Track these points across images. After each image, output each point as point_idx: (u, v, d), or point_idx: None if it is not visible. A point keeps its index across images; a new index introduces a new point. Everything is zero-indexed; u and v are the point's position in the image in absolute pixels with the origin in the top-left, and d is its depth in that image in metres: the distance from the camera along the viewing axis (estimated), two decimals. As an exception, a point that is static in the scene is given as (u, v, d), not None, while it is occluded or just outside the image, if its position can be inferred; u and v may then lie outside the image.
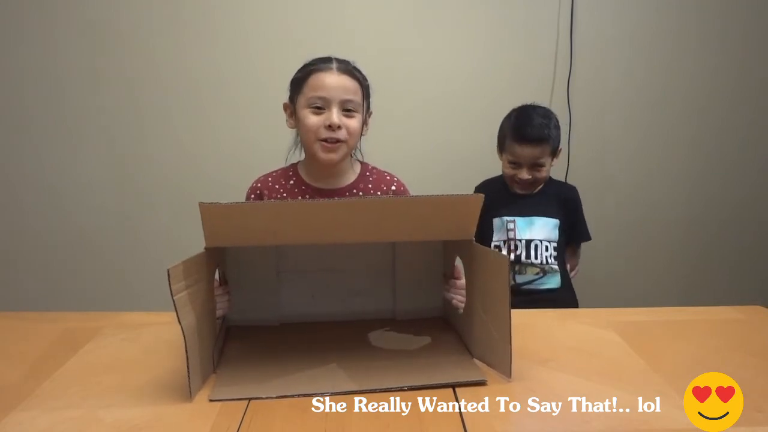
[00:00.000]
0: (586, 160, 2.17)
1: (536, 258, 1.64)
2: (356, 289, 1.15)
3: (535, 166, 1.63)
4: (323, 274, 1.14)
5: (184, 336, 0.82)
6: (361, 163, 1.34)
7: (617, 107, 2.18)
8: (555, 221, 1.66)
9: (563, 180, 2.10)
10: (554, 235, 1.66)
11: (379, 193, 1.31)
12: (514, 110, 1.71)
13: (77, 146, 2.10)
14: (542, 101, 2.09)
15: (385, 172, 1.36)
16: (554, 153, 1.67)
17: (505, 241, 1.66)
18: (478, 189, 1.70)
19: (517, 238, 1.64)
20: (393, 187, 1.33)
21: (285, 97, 1.35)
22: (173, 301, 0.81)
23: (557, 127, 1.68)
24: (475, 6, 2.09)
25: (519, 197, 1.68)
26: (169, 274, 0.80)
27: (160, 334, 1.08)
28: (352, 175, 1.31)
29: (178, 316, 0.81)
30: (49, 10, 2.02)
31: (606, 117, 2.18)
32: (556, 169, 1.77)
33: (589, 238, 1.76)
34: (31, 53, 2.04)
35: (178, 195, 2.11)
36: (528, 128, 1.61)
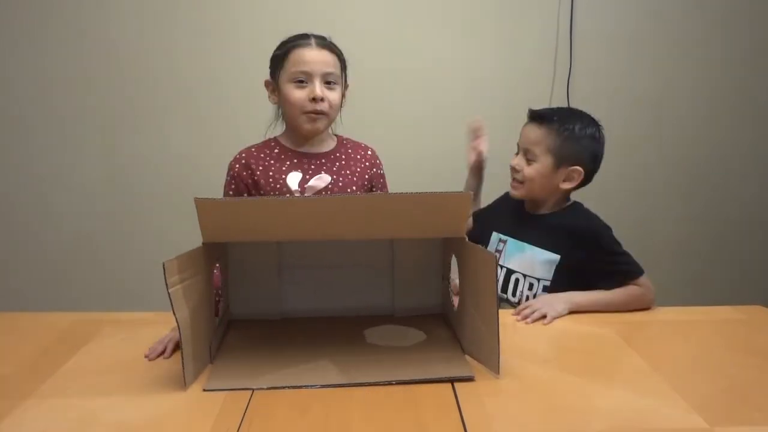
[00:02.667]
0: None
1: (514, 296, 1.35)
2: (356, 286, 1.17)
3: (528, 158, 1.33)
4: (324, 270, 1.16)
5: (179, 327, 0.85)
6: (336, 135, 1.41)
7: (617, 107, 2.18)
8: (552, 257, 1.31)
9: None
10: (545, 272, 1.31)
11: (358, 156, 1.37)
12: None
13: (72, 148, 2.10)
14: (542, 101, 2.10)
15: (358, 141, 1.43)
16: (557, 156, 1.30)
17: None
18: (498, 200, 1.51)
19: (500, 263, 1.37)
20: (369, 152, 1.40)
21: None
22: (168, 294, 0.83)
23: (584, 137, 1.32)
24: (475, 7, 2.09)
25: (524, 216, 1.40)
26: (164, 268, 0.82)
27: (159, 334, 1.08)
28: (331, 143, 1.37)
29: (173, 308, 0.84)
30: (42, 14, 2.02)
31: (606, 117, 2.17)
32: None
33: (639, 273, 1.26)
34: (23, 57, 2.04)
35: (175, 194, 2.11)
36: (543, 108, 1.37)
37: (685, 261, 2.30)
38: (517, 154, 1.36)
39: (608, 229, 1.33)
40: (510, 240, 1.37)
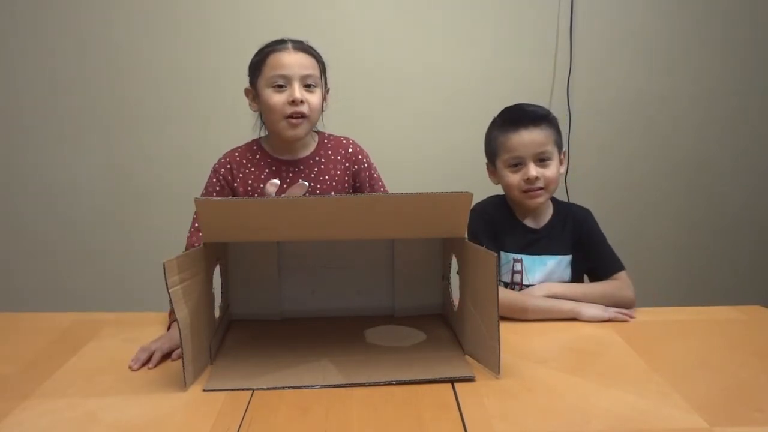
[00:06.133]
0: (586, 160, 2.17)
1: None
2: (356, 286, 1.17)
3: (542, 160, 1.27)
4: (324, 271, 1.16)
5: (179, 327, 0.85)
6: (318, 132, 1.39)
7: (617, 107, 2.18)
8: (568, 258, 1.33)
9: (566, 192, 2.08)
10: (566, 274, 1.33)
11: (338, 157, 1.35)
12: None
13: (72, 148, 2.10)
14: (542, 101, 2.09)
15: (340, 136, 1.41)
16: (559, 148, 1.31)
17: (508, 284, 1.31)
18: (476, 211, 1.31)
19: (523, 282, 1.30)
20: (350, 149, 1.37)
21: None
22: (168, 294, 0.84)
23: (557, 122, 1.34)
24: (475, 7, 2.09)
25: (525, 230, 1.33)
26: (164, 268, 0.83)
27: (159, 334, 1.08)
28: (312, 145, 1.36)
29: (173, 308, 0.84)
30: (43, 14, 2.02)
31: (606, 117, 2.18)
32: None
33: (621, 268, 1.29)
34: (24, 58, 2.04)
35: (176, 194, 2.10)
36: (520, 111, 1.32)
37: (685, 261, 2.29)
38: (516, 166, 1.28)
39: (593, 217, 1.37)
40: (525, 257, 1.32)
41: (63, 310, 1.27)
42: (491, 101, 2.06)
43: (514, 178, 1.28)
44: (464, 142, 2.12)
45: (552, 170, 1.28)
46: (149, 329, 1.11)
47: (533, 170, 1.25)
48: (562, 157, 1.33)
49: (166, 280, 0.83)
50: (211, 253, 0.99)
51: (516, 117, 1.30)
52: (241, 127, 2.06)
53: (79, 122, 2.09)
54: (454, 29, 2.10)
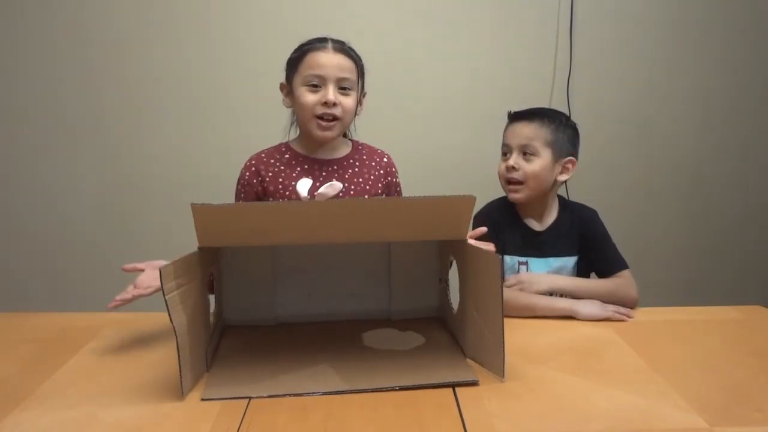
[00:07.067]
0: (586, 160, 2.16)
1: None
2: (352, 289, 1.16)
3: (526, 153, 1.29)
4: (319, 274, 1.14)
5: (176, 335, 0.83)
6: (351, 140, 1.39)
7: (617, 107, 2.18)
8: (574, 259, 1.34)
9: (566, 192, 2.07)
10: (572, 275, 1.35)
11: (372, 163, 1.35)
12: None
13: (74, 149, 2.10)
14: (542, 101, 2.09)
15: (374, 147, 1.41)
16: (555, 150, 1.30)
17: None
18: (482, 215, 1.35)
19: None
20: (385, 159, 1.38)
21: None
22: (165, 300, 0.82)
23: (569, 127, 1.34)
24: (475, 7, 2.09)
25: (531, 231, 1.35)
26: (161, 274, 0.81)
27: (159, 335, 1.08)
28: (346, 149, 1.35)
29: (170, 315, 0.82)
30: (44, 14, 2.02)
31: (606, 117, 2.18)
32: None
33: (624, 266, 1.31)
34: (26, 59, 2.04)
35: (176, 195, 2.11)
36: (524, 109, 1.36)
37: (685, 261, 2.29)
38: (505, 155, 1.33)
39: (599, 216, 1.39)
40: (530, 260, 1.32)
41: (63, 310, 1.26)
42: (491, 101, 2.09)
43: (502, 167, 1.33)
44: (464, 142, 2.13)
45: (533, 166, 1.29)
46: (149, 329, 1.11)
47: (513, 159, 1.30)
48: (568, 165, 1.32)
49: (162, 286, 0.81)
50: (206, 257, 0.97)
51: (518, 112, 1.35)
52: (241, 126, 2.07)
53: (79, 122, 2.09)
54: (454, 29, 2.10)
